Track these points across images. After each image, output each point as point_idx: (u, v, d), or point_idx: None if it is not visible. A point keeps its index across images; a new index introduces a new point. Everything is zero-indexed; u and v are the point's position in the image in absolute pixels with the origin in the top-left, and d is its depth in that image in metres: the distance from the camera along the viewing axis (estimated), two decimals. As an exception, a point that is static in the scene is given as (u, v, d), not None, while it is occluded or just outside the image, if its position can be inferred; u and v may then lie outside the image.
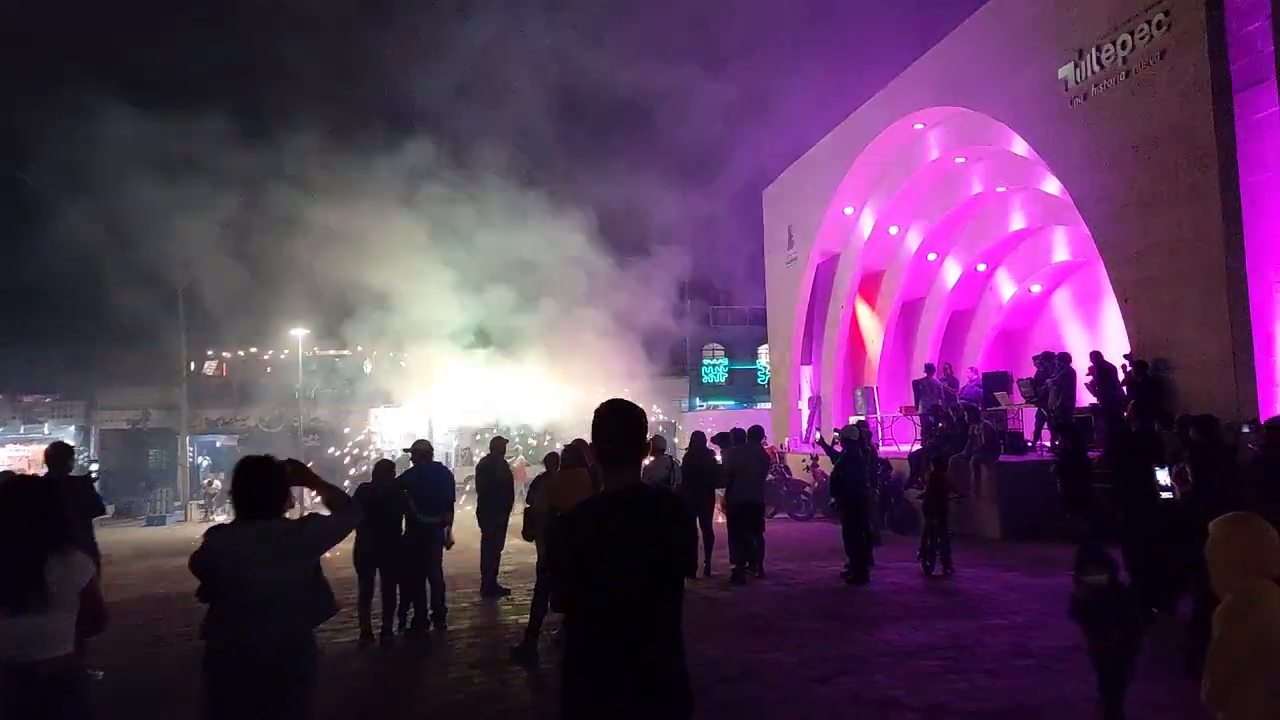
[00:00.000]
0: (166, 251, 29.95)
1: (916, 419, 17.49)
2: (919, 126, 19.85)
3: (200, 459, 32.30)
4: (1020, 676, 6.36)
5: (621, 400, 2.98)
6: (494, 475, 10.77)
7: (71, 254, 28.35)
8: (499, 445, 11.11)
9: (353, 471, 30.52)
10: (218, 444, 32.48)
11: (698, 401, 37.09)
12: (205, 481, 27.27)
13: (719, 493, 11.19)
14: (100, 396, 31.73)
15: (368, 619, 8.50)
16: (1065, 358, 14.19)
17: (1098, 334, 18.39)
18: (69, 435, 30.80)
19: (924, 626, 8.01)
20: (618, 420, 2.88)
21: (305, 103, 26.21)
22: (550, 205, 28.13)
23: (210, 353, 32.22)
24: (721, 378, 39.28)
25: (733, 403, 36.73)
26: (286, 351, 32.07)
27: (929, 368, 18.48)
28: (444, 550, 8.90)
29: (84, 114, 26.52)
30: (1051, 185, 17.10)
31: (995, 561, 11.21)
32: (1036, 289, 21.34)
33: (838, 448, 11.26)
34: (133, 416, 30.84)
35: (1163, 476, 8.30)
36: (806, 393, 25.91)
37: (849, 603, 9.37)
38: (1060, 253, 19.68)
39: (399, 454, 10.53)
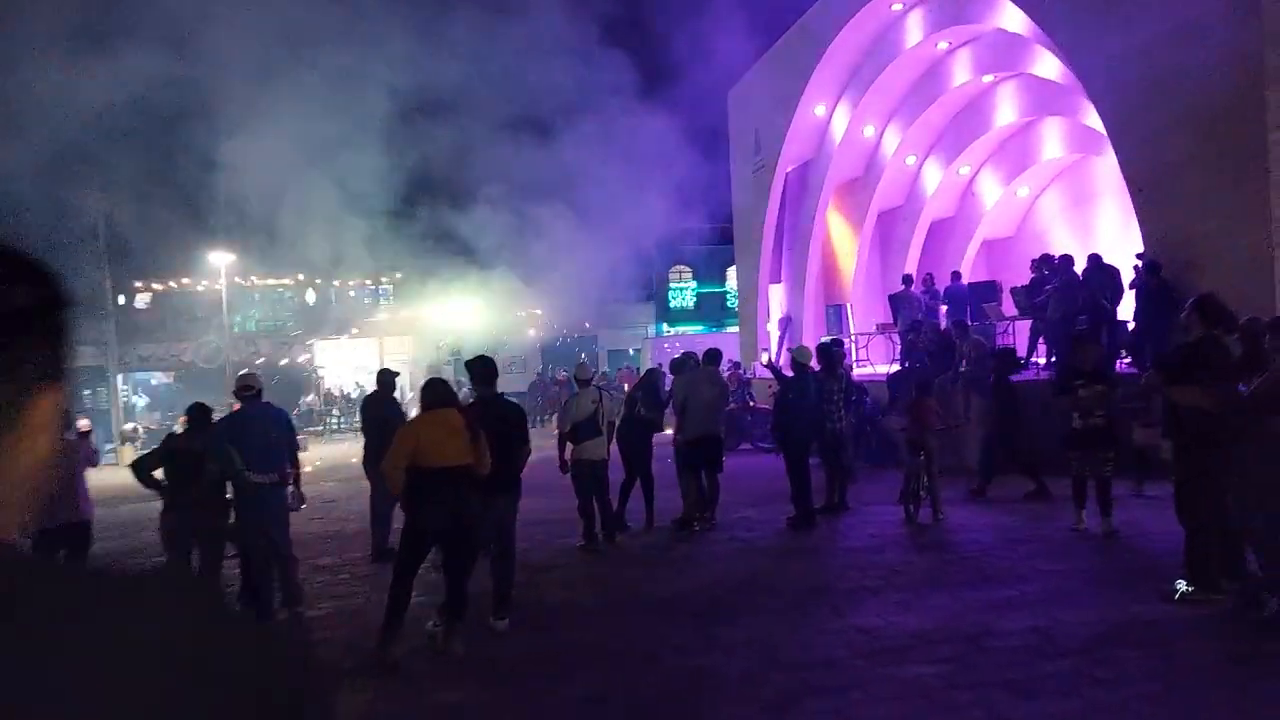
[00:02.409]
0: (86, 174, 26.97)
1: (895, 337, 15.36)
2: (897, 7, 17.21)
3: (136, 397, 29.81)
4: (1059, 695, 4.29)
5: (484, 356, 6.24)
6: (380, 413, 8.52)
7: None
8: (385, 379, 8.82)
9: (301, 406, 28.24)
10: (153, 381, 29.98)
11: (664, 327, 34.86)
12: (130, 428, 24.78)
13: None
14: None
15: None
16: (1067, 261, 11.98)
17: (1091, 240, 16.20)
18: (-9, 376, 28.17)
19: (913, 603, 5.95)
20: (478, 363, 6.15)
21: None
22: (492, 111, 25.24)
23: (140, 285, 29.39)
24: (689, 302, 36.94)
25: (701, 327, 34.48)
26: (223, 283, 29.33)
27: (907, 279, 16.26)
28: (288, 516, 6.66)
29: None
30: (1047, 67, 14.68)
31: (991, 503, 9.20)
32: (1023, 192, 19.09)
33: (788, 372, 9.12)
34: (59, 354, 28.10)
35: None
36: (777, 313, 23.73)
37: (815, 564, 7.31)
38: (1051, 148, 17.37)
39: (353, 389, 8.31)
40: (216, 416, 7.02)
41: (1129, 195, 15.68)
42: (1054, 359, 12.14)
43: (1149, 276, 11.21)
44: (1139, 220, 11.68)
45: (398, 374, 9.34)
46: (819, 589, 6.47)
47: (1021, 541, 7.37)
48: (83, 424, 7.88)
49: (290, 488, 6.64)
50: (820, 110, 20.20)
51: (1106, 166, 16.69)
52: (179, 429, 6.99)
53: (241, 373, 6.88)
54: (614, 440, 8.39)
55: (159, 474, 6.59)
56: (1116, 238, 15.60)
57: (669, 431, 9.32)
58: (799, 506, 8.52)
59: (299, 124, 22.99)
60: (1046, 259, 12.73)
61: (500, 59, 31.70)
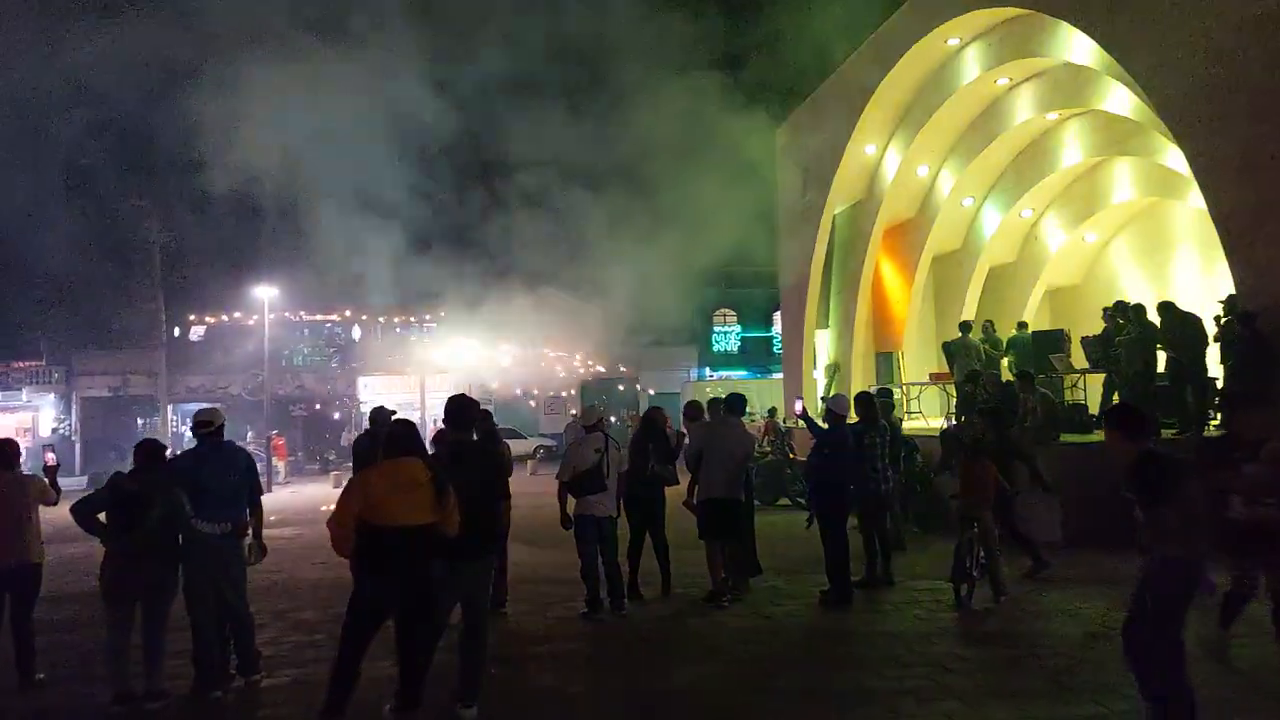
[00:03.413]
0: (143, 207, 27.34)
1: (951, 388, 14.07)
2: (953, 42, 16.19)
3: (185, 428, 29.77)
4: None
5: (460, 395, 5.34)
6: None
7: (44, 210, 25.75)
8: (378, 416, 7.95)
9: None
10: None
11: (706, 371, 33.74)
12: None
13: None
14: (78, 362, 29.20)
15: (124, 678, 5.42)
16: (1141, 310, 10.65)
17: (1167, 290, 14.76)
18: (49, 403, 28.46)
19: (968, 716, 4.74)
20: (452, 404, 5.19)
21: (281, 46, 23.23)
22: (539, 155, 24.86)
23: (193, 317, 29.52)
24: (733, 346, 35.79)
25: (745, 372, 33.33)
26: (273, 315, 29.30)
27: (964, 325, 14.95)
28: (244, 571, 5.76)
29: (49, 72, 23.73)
30: (1118, 102, 13.47)
31: (1063, 583, 7.85)
32: (1091, 237, 17.69)
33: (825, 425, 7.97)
34: (113, 383, 28.27)
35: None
36: (823, 359, 22.51)
37: (849, 655, 6.11)
38: (1122, 190, 16.03)
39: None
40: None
41: (1210, 242, 14.39)
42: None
43: (1243, 328, 9.85)
44: (1231, 265, 10.33)
45: (394, 412, 8.50)
46: (851, 692, 5.29)
47: (1105, 636, 6.08)
48: (49, 458, 7.16)
49: (249, 539, 5.76)
50: (871, 149, 19.19)
51: (1185, 212, 15.32)
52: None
53: (202, 407, 6.07)
54: (622, 493, 7.36)
55: (103, 517, 5.78)
56: (1195, 288, 14.17)
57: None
58: (834, 580, 7.35)
59: (354, 164, 22.88)
60: (1121, 306, 11.41)
61: (545, 103, 31.45)
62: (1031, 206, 17.78)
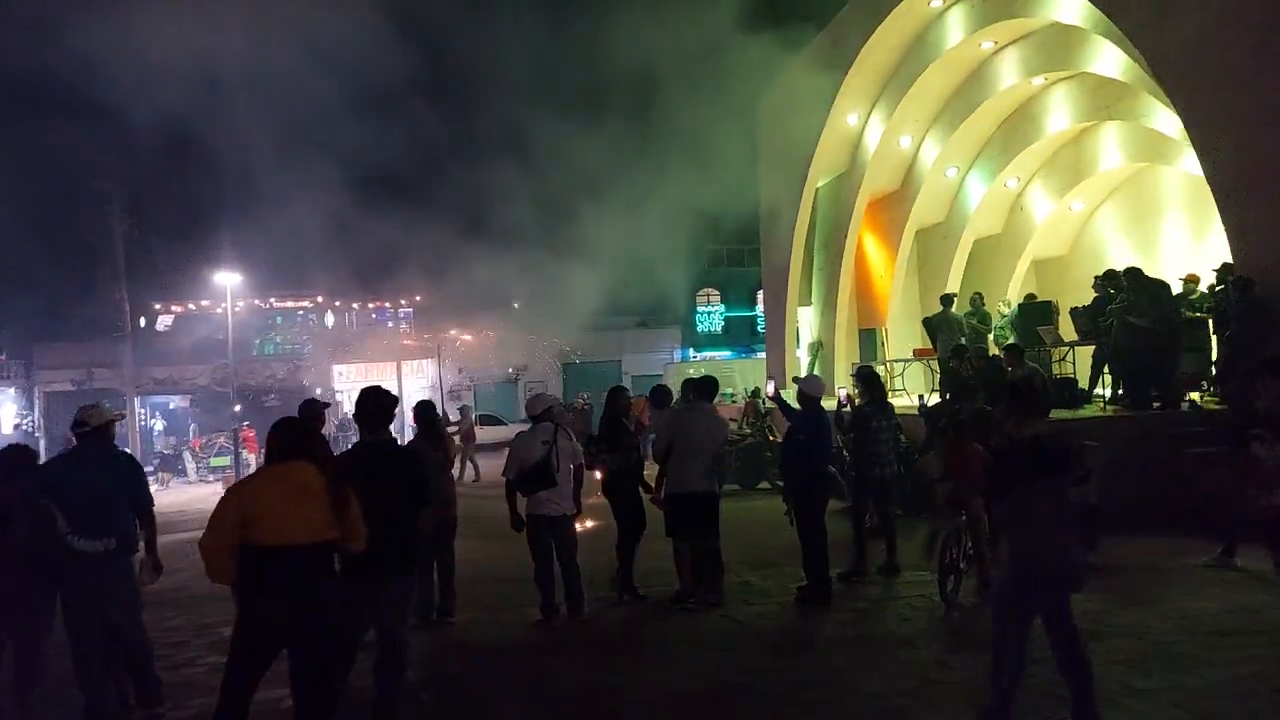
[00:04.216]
0: (106, 193, 26.33)
1: (935, 364, 13.50)
2: (936, 4, 15.51)
3: (154, 421, 28.94)
4: None
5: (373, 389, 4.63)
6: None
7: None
8: (308, 411, 7.27)
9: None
10: (171, 405, 29.06)
11: (690, 352, 33.09)
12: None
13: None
14: (39, 355, 28.23)
15: None
16: (1137, 274, 10.02)
17: (1155, 259, 14.23)
18: (9, 398, 27.52)
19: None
20: (365, 399, 4.54)
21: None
22: (511, 125, 24.03)
23: (159, 306, 28.58)
24: (717, 326, 35.16)
25: (729, 352, 32.72)
26: (241, 305, 28.42)
27: (946, 299, 14.33)
28: (136, 592, 5.10)
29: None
30: (1107, 63, 12.86)
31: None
32: (1078, 206, 17.11)
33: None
34: (76, 376, 27.34)
35: None
36: (807, 337, 21.95)
37: (823, 662, 5.52)
38: (1110, 157, 15.43)
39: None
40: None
41: (1200, 208, 13.83)
42: (1121, 391, 10.24)
43: (1240, 295, 9.30)
44: (1226, 229, 9.77)
45: (328, 404, 7.84)
46: (822, 702, 4.71)
47: (1109, 635, 5.52)
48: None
49: (139, 555, 5.09)
50: (853, 119, 18.51)
51: (1174, 177, 14.76)
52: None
53: (84, 405, 5.36)
54: (580, 488, 6.72)
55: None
56: (1185, 256, 13.62)
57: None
58: (812, 576, 6.77)
59: (324, 147, 22.01)
60: (1111, 275, 10.83)
61: (516, 70, 30.49)
62: (1017, 176, 17.18)
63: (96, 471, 4.88)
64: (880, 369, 16.39)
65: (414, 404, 7.16)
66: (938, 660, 5.36)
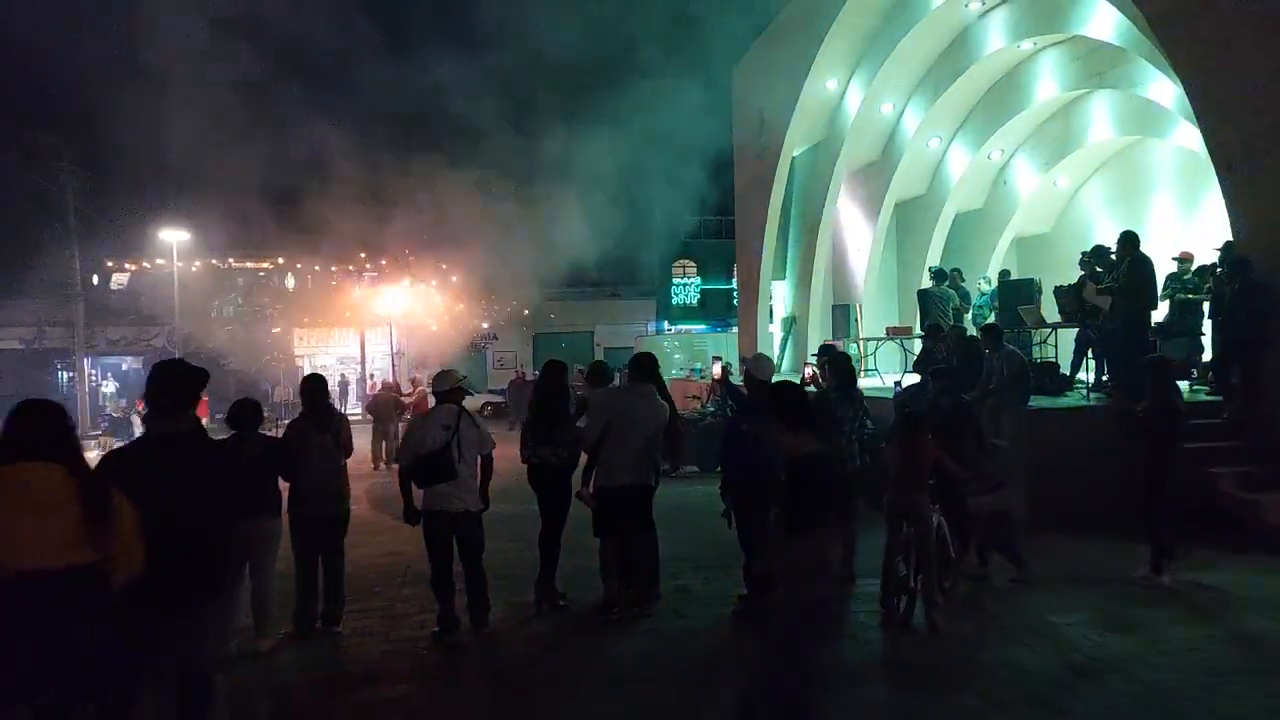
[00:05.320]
0: (56, 146, 24.87)
1: (917, 343, 12.52)
2: (922, -40, 14.39)
3: (104, 383, 27.68)
4: None
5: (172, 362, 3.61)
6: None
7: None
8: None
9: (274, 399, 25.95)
10: (124, 366, 27.80)
11: (665, 324, 32.05)
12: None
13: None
14: (-16, 311, 26.79)
15: None
16: (1130, 239, 8.99)
17: (1143, 237, 13.24)
18: (-47, 355, 26.15)
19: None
20: (158, 375, 3.43)
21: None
22: (482, 85, 22.77)
23: (111, 264, 27.18)
24: (693, 299, 34.07)
25: (705, 326, 31.70)
26: (198, 264, 27.10)
27: (939, 273, 13.27)
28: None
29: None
30: (1101, 24, 11.84)
31: (1028, 584, 6.40)
32: (1064, 181, 16.18)
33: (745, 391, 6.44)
34: (25, 335, 25.99)
35: None
36: (780, 312, 21.01)
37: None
38: (1099, 128, 14.48)
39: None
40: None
41: (1193, 185, 12.93)
42: (1107, 377, 9.34)
43: (1236, 276, 8.40)
44: (1229, 206, 8.84)
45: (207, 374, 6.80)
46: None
47: (1092, 672, 4.62)
48: None
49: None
50: (832, 85, 17.42)
51: (1166, 151, 13.84)
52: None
53: None
54: (488, 481, 5.73)
55: None
56: (1173, 236, 12.74)
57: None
58: (752, 587, 5.84)
59: (281, 96, 20.69)
60: (1100, 251, 9.90)
61: (480, 27, 29.06)
62: (1001, 147, 16.22)
63: None
64: (853, 346, 15.53)
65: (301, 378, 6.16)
66: (886, 703, 4.44)
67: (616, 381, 7.76)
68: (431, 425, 5.43)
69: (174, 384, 3.41)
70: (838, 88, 17.47)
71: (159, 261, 26.33)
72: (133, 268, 27.20)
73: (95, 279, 27.48)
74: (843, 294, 18.63)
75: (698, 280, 34.51)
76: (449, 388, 5.65)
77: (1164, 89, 11.61)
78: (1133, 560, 6.41)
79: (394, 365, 25.29)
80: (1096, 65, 13.18)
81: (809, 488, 3.58)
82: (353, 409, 24.88)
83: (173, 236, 22.60)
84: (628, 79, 24.40)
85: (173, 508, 3.17)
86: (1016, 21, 13.93)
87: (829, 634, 3.38)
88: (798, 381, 7.60)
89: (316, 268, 27.27)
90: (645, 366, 6.42)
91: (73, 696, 2.96)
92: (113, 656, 3.04)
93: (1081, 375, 9.78)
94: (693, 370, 20.59)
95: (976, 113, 16.15)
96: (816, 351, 10.85)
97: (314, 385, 5.90)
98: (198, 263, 26.93)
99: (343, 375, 29.36)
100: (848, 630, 5.51)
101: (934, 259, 16.71)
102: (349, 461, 5.89)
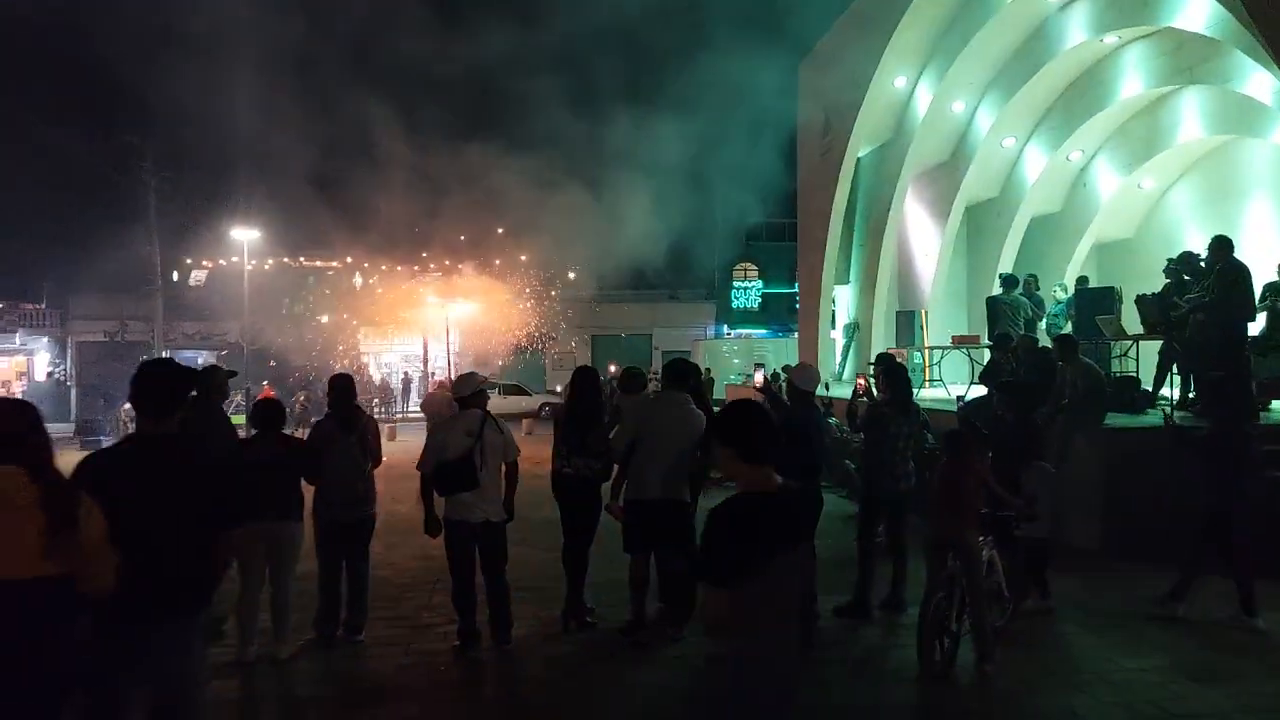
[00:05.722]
0: (141, 146, 25.85)
1: (985, 352, 11.82)
2: (998, -50, 13.66)
3: (182, 376, 28.61)
4: None
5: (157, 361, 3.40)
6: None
7: (39, 149, 24.38)
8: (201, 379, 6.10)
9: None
10: (199, 360, 28.68)
11: (724, 329, 31.48)
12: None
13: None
14: (74, 305, 28.02)
15: None
16: (1223, 245, 8.22)
17: (1236, 246, 12.29)
18: (43, 346, 27.46)
19: None
20: (144, 376, 3.19)
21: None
22: (542, 90, 22.76)
23: (190, 260, 28.12)
24: (754, 302, 33.36)
25: (764, 330, 31.05)
26: (271, 262, 27.82)
27: (1009, 278, 12.50)
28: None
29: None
30: (1194, 14, 10.97)
31: (1097, 620, 5.80)
32: (1149, 183, 15.17)
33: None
34: (109, 328, 27.07)
35: None
36: (843, 318, 20.38)
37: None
38: (1189, 127, 13.48)
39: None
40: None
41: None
42: (1193, 394, 8.59)
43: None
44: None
45: (234, 374, 6.73)
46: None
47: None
48: None
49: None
50: (900, 82, 16.74)
51: (1264, 151, 12.81)
52: None
53: None
54: (513, 491, 5.45)
55: None
56: (1270, 243, 11.77)
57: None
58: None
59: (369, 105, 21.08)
60: (1188, 258, 9.12)
61: (547, 34, 29.08)
62: (1081, 148, 15.29)
63: None
64: (917, 355, 14.85)
65: (330, 377, 6.00)
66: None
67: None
68: (454, 431, 5.19)
69: (157, 384, 3.21)
70: (906, 85, 16.79)
71: (233, 259, 27.12)
72: (209, 265, 28.10)
73: (175, 275, 28.47)
74: (908, 300, 17.90)
75: (759, 283, 33.84)
76: (472, 392, 5.40)
77: (1263, 83, 10.70)
78: (1220, 598, 5.76)
79: (450, 365, 25.46)
80: (1187, 59, 12.27)
81: (750, 533, 2.64)
82: (414, 407, 25.16)
83: (244, 235, 23.24)
84: (693, 79, 24.07)
85: (147, 514, 2.97)
86: (1100, 14, 13.07)
87: (773, 698, 2.56)
88: (854, 391, 7.15)
89: (383, 268, 27.70)
90: (679, 372, 6.01)
91: (42, 717, 2.77)
92: (85, 675, 2.85)
93: (1165, 391, 9.03)
94: (749, 378, 20.15)
95: (1055, 111, 15.27)
96: (872, 360, 10.32)
97: (341, 384, 5.73)
98: (270, 261, 27.63)
99: (406, 373, 29.76)
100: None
101: (1006, 265, 15.87)
102: (396, 459, 5.69)
